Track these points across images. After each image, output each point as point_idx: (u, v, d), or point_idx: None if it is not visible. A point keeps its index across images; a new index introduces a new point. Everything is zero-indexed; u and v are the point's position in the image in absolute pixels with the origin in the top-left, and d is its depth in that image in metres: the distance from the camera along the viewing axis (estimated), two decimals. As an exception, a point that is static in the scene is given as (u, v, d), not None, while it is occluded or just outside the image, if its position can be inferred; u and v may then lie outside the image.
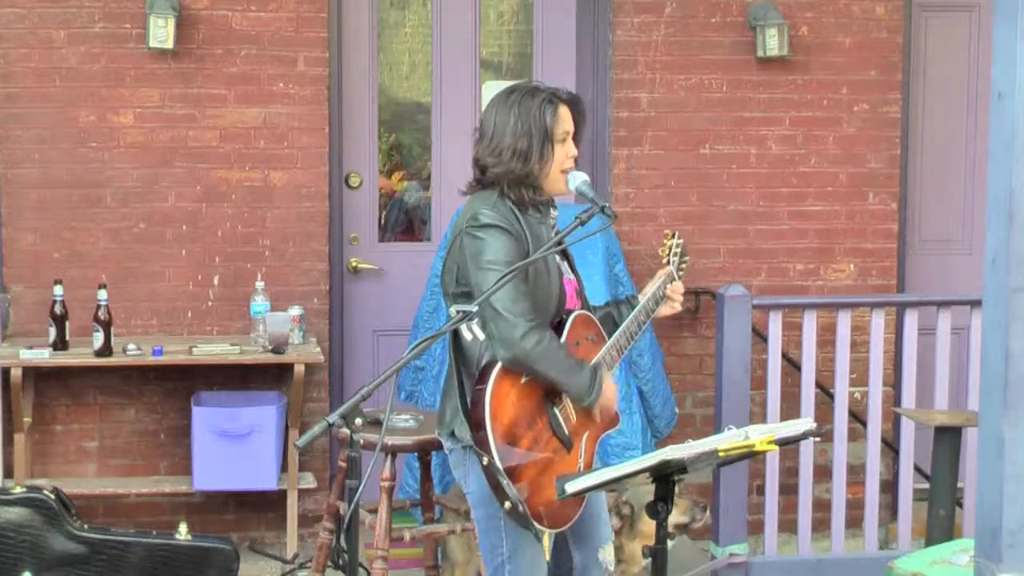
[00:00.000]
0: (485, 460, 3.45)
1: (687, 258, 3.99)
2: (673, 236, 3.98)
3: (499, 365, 3.52)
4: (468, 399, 3.54)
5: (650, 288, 3.85)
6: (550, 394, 3.60)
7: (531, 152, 3.61)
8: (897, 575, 3.99)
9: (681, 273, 3.93)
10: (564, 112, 3.67)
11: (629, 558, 4.69)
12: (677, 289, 3.87)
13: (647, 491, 4.70)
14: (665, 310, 3.85)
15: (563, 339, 3.62)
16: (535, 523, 3.51)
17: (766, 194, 6.02)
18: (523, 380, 3.55)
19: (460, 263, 3.61)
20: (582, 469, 3.63)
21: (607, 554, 3.82)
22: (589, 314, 3.75)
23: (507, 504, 3.45)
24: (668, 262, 3.91)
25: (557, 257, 3.72)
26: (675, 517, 4.72)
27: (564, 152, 3.65)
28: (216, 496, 5.71)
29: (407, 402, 5.52)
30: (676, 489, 4.72)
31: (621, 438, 5.15)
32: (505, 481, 3.44)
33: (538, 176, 3.63)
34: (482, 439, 3.45)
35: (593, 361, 3.66)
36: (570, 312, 3.70)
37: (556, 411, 3.60)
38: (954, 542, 4.35)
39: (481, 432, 3.46)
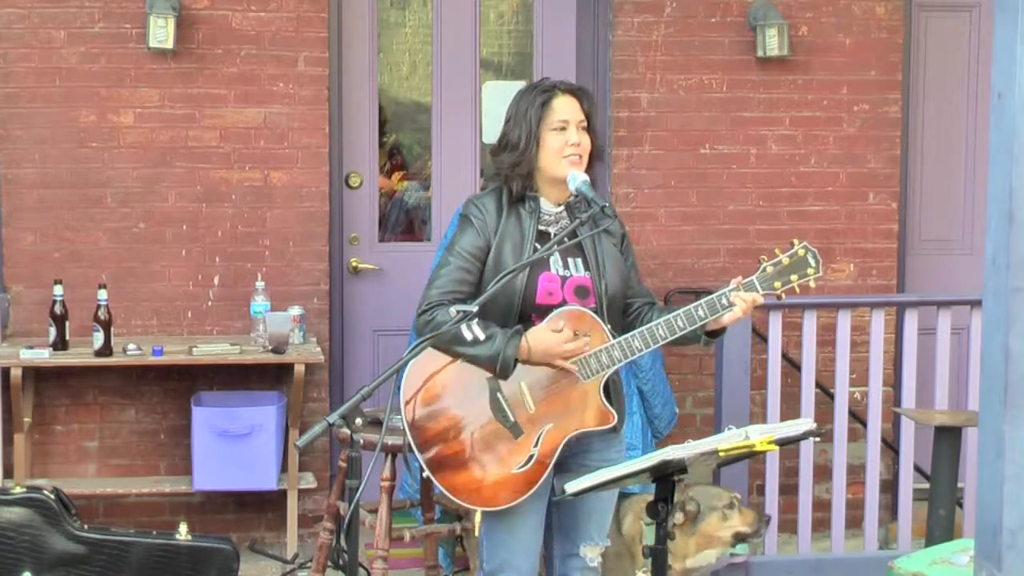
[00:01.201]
0: (401, 425, 3.64)
1: (811, 271, 3.62)
2: (798, 244, 3.65)
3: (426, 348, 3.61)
4: None
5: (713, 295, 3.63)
6: (497, 377, 3.62)
7: (519, 142, 3.68)
8: (897, 575, 3.99)
9: (780, 285, 3.62)
10: (562, 102, 3.69)
11: (674, 551, 4.61)
12: (745, 297, 3.58)
13: (715, 493, 4.69)
14: (727, 317, 3.61)
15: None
16: (450, 495, 3.61)
17: (766, 194, 6.02)
18: (460, 359, 3.62)
19: None
20: (534, 459, 3.59)
21: (590, 551, 3.81)
22: (591, 314, 3.64)
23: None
24: (762, 267, 3.64)
25: (555, 252, 3.70)
26: (738, 525, 4.71)
27: (562, 140, 3.66)
28: (216, 496, 5.71)
29: (407, 402, 5.51)
30: (738, 496, 4.76)
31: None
32: (415, 449, 3.60)
33: (529, 166, 3.67)
34: (397, 408, 3.60)
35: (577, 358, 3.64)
36: (551, 307, 3.64)
37: (500, 396, 3.60)
38: (954, 542, 4.35)
39: (395, 401, 3.54)
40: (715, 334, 3.69)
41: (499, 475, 3.59)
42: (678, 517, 4.59)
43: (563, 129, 3.67)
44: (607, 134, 5.90)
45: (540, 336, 3.58)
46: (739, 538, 4.75)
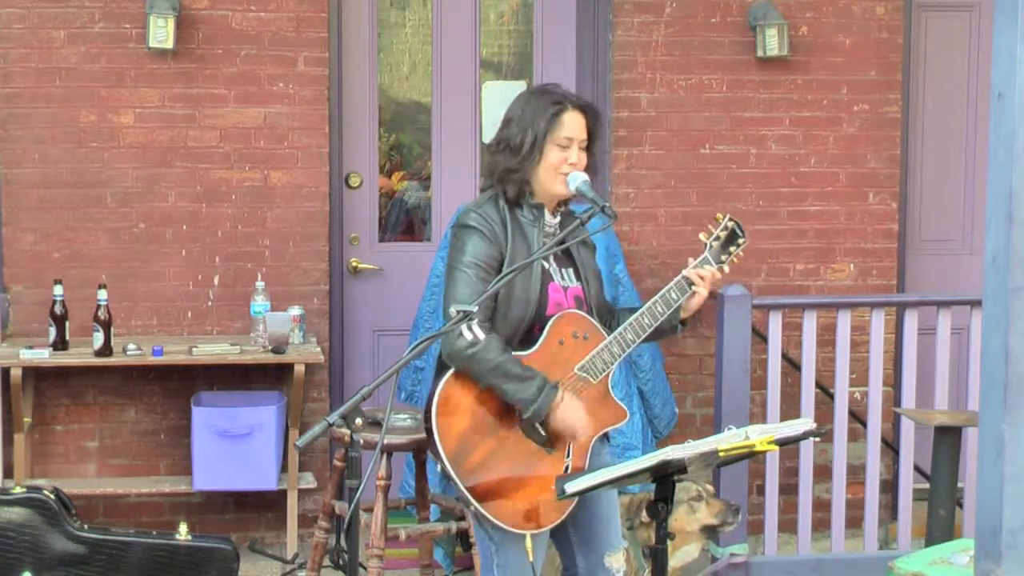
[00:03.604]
0: (439, 467, 3.53)
1: (742, 241, 3.78)
2: (724, 218, 3.79)
3: (448, 373, 3.55)
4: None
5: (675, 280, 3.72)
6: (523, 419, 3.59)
7: (522, 148, 3.62)
8: (897, 575, 3.99)
9: (725, 259, 3.75)
10: (571, 118, 3.65)
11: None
12: (703, 274, 3.70)
13: (683, 487, 4.64)
14: (695, 301, 3.70)
15: (542, 339, 3.60)
16: (503, 524, 3.54)
17: (766, 194, 6.02)
18: (482, 386, 3.56)
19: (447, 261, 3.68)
20: (570, 469, 3.60)
21: (615, 560, 3.78)
22: (581, 313, 3.68)
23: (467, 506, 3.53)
24: (706, 245, 3.75)
25: (549, 263, 3.68)
26: (705, 518, 4.69)
27: (562, 157, 3.63)
28: (216, 496, 5.71)
29: (407, 402, 5.52)
30: (709, 489, 4.73)
31: (621, 438, 5.15)
32: (460, 487, 3.50)
33: (526, 173, 3.63)
34: (433, 448, 3.51)
35: (583, 361, 3.62)
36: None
37: None
38: (954, 542, 4.35)
39: (431, 441, 3.51)
40: (686, 322, 3.78)
41: (542, 494, 3.55)
42: (644, 515, 4.58)
43: (566, 147, 3.63)
44: (607, 134, 5.90)
45: (572, 411, 3.58)
46: (708, 531, 4.71)
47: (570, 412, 3.58)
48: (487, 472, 3.52)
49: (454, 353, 3.52)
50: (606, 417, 3.70)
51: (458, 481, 3.50)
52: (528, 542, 3.58)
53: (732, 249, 3.78)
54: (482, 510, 3.53)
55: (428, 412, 3.54)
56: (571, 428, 3.60)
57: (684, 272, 3.71)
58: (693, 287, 3.69)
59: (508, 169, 3.65)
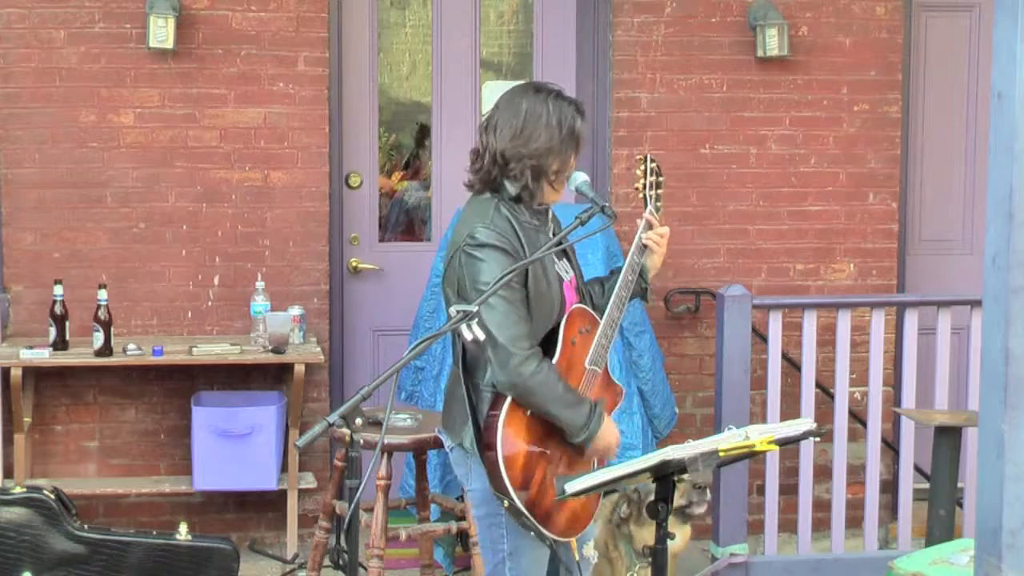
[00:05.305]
0: (506, 503, 3.47)
1: (662, 178, 3.81)
2: (645, 160, 3.79)
3: (506, 405, 3.48)
4: (480, 433, 3.52)
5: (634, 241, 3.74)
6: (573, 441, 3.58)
7: (561, 153, 3.56)
8: (897, 575, 3.99)
9: (660, 204, 3.77)
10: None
11: (636, 547, 4.64)
12: (661, 232, 3.74)
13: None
14: (654, 260, 3.74)
15: (560, 344, 3.58)
16: (562, 538, 3.55)
17: (766, 194, 6.02)
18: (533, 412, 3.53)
19: (460, 279, 3.57)
20: (596, 464, 3.63)
21: (590, 549, 3.82)
22: (582, 306, 3.69)
23: (532, 535, 3.51)
24: (645, 198, 3.75)
25: (554, 259, 3.68)
26: (674, 502, 4.70)
27: (572, 163, 3.64)
28: (216, 496, 5.71)
29: (407, 402, 5.52)
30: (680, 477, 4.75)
31: (622, 438, 5.15)
32: (529, 521, 3.47)
33: (555, 178, 3.59)
34: (500, 485, 3.46)
35: (589, 354, 3.60)
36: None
37: None
38: (954, 542, 4.35)
39: (497, 478, 3.45)
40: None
41: (579, 499, 3.53)
42: (623, 511, 4.61)
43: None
44: (607, 134, 5.90)
45: (610, 432, 3.61)
46: (679, 513, 4.68)
47: (609, 432, 3.60)
48: (543, 495, 3.50)
49: (518, 381, 3.45)
50: (611, 403, 3.72)
51: (531, 517, 3.47)
52: (573, 544, 3.61)
53: (660, 192, 3.80)
54: (543, 528, 3.50)
55: (491, 447, 3.46)
56: (610, 449, 3.64)
57: (638, 236, 3.72)
58: (649, 250, 3.73)
59: (545, 171, 3.56)
